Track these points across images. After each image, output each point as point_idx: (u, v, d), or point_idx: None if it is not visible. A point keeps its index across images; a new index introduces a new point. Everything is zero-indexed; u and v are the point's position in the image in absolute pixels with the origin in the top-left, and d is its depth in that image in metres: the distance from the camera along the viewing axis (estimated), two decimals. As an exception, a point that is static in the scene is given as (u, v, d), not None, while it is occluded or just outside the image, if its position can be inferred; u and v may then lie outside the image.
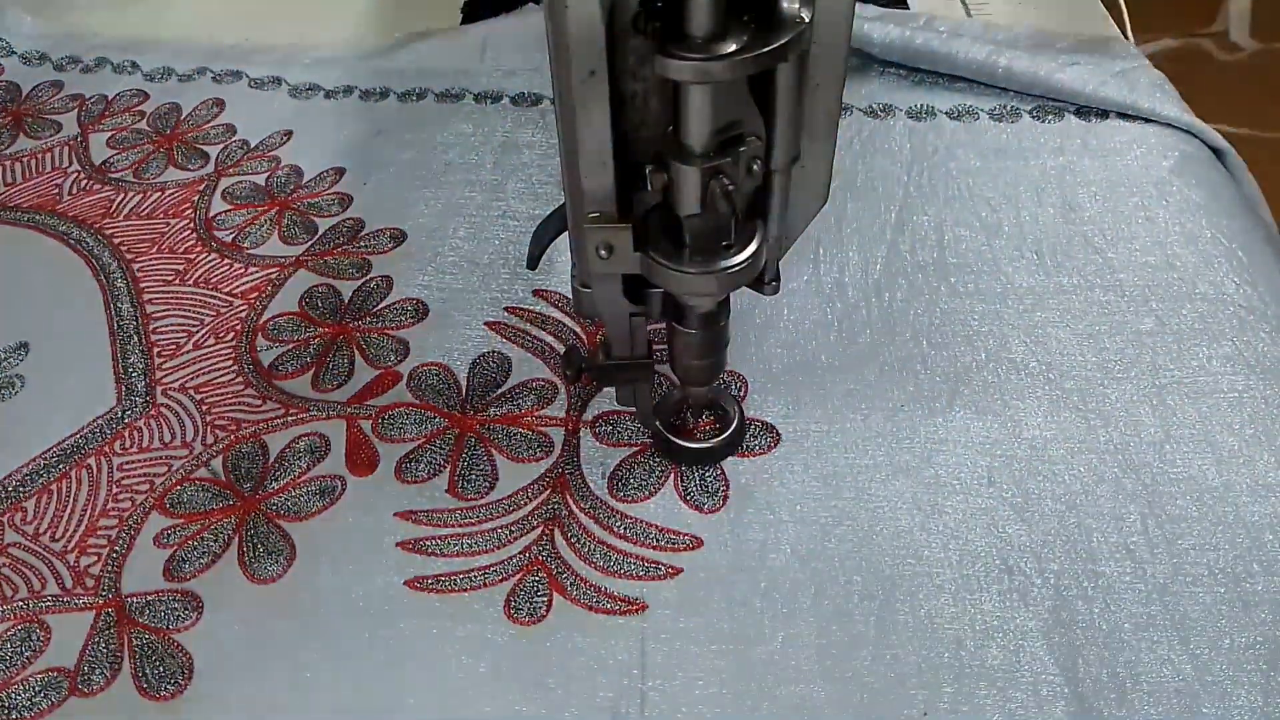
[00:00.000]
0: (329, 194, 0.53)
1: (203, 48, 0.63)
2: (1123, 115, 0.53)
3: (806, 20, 0.23)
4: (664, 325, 0.34)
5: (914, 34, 0.55)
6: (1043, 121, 0.53)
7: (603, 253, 0.28)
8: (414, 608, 0.34)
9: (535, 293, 0.46)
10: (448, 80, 0.60)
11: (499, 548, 0.36)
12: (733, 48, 0.23)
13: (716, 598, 0.35)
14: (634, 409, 0.39)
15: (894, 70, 0.57)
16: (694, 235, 0.28)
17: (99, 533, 0.38)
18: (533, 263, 0.34)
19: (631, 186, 0.27)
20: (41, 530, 0.38)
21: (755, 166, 0.26)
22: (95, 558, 0.37)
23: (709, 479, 0.38)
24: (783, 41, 0.23)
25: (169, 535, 0.38)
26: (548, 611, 0.34)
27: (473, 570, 0.35)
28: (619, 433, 0.40)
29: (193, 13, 0.68)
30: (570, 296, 0.37)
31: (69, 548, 0.38)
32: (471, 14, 0.66)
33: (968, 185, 0.50)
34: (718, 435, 0.38)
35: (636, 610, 0.34)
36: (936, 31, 0.56)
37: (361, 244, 0.50)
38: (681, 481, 0.38)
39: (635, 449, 0.39)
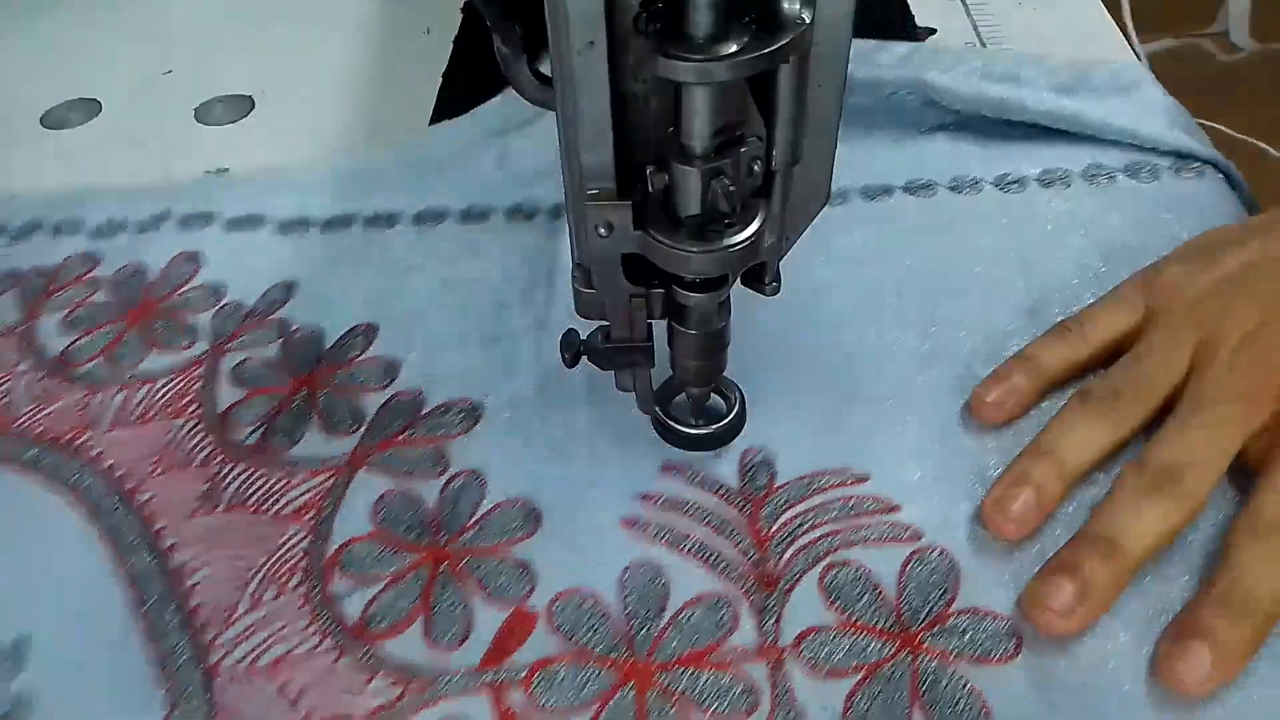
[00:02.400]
0: (366, 362, 0.44)
1: (158, 189, 0.52)
2: (1175, 170, 0.48)
3: (807, 21, 0.24)
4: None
5: (974, 81, 0.50)
6: (1093, 184, 0.48)
7: (602, 231, 0.28)
8: None
9: (665, 468, 0.38)
10: (466, 194, 0.51)
11: None
12: (733, 48, 0.23)
13: None
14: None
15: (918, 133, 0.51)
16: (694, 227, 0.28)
17: None
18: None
19: (631, 186, 0.27)
20: None
21: (756, 167, 0.27)
22: None
23: (962, 704, 0.31)
24: (783, 42, 0.23)
25: None
26: None
27: None
28: (835, 651, 0.32)
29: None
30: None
31: None
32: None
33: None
34: (719, 419, 0.37)
35: None
36: (980, 72, 0.50)
37: (427, 425, 0.41)
38: (933, 716, 0.31)
39: (861, 673, 0.32)
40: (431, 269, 0.47)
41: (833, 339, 0.42)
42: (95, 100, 0.59)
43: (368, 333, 0.45)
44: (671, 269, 0.29)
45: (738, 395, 0.38)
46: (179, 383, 0.44)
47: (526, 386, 0.42)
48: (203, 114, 0.58)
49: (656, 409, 0.37)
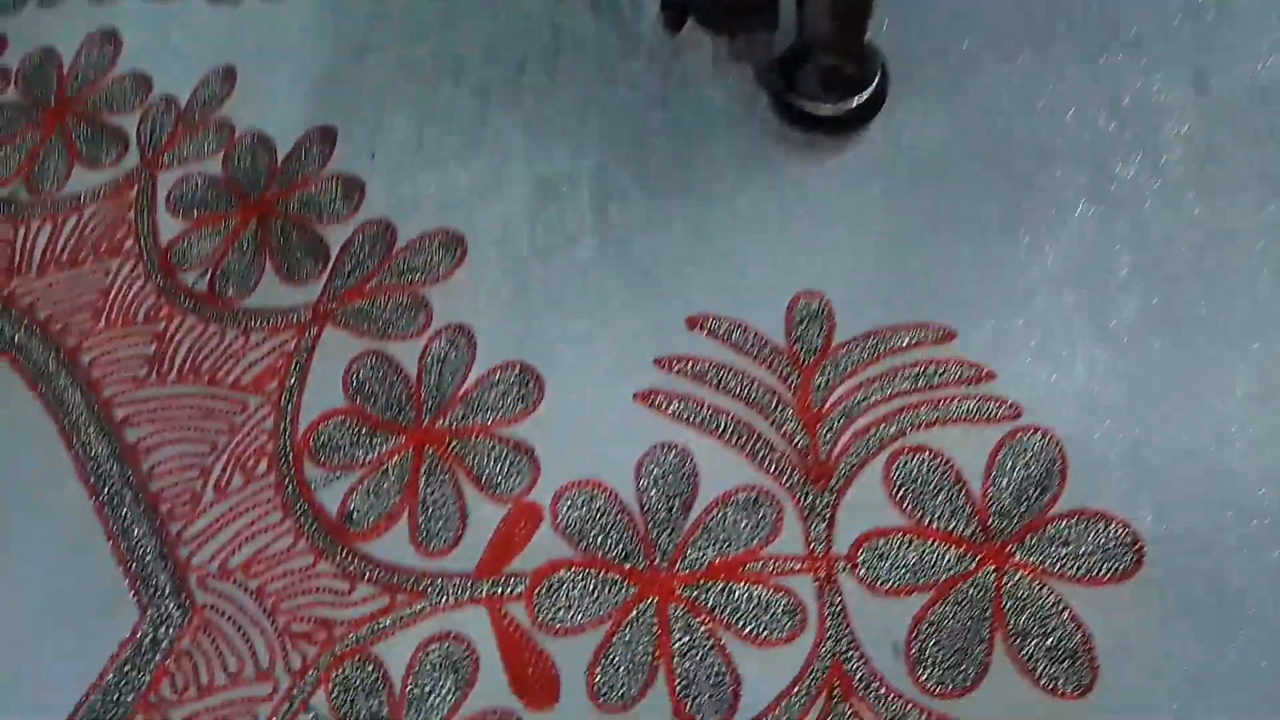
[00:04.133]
0: (326, 179, 0.35)
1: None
2: None
3: None
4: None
5: None
6: None
7: None
8: None
9: (691, 322, 0.31)
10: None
11: (784, 816, 0.25)
12: None
13: None
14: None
15: None
16: None
17: None
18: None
19: None
20: None
21: None
22: None
23: (1057, 633, 0.25)
24: None
25: (292, 846, 0.26)
26: None
27: None
28: (900, 564, 0.26)
29: None
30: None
31: None
32: None
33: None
34: (853, 94, 0.31)
35: None
36: None
37: (402, 266, 0.33)
38: (1020, 645, 0.25)
39: (931, 592, 0.26)
40: (398, 44, 0.37)
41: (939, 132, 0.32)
42: None
43: (324, 140, 0.36)
44: None
45: (879, 65, 0.31)
46: (111, 208, 0.36)
47: (518, 206, 0.33)
48: None
49: (778, 80, 0.32)
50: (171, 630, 0.29)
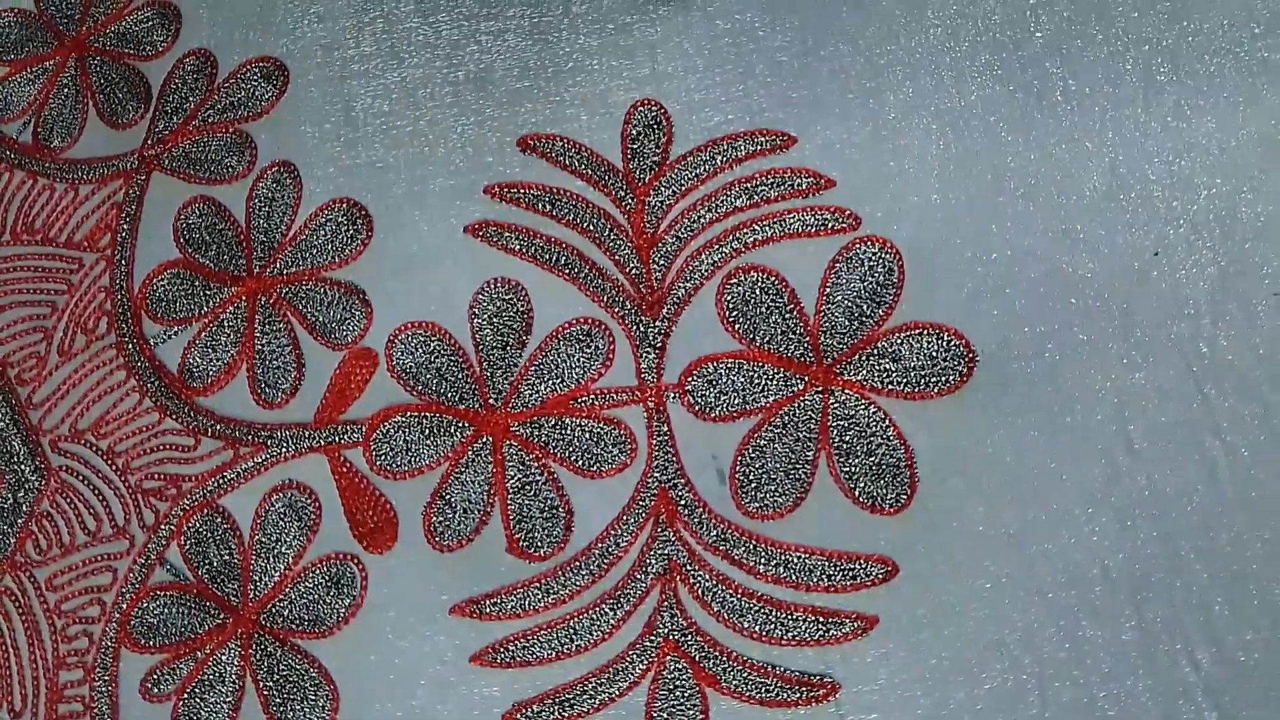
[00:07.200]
0: (140, 9, 0.32)
1: None
2: None
3: None
4: None
5: None
6: None
7: None
8: (525, 757, 0.25)
9: (523, 144, 0.28)
10: None
11: (607, 635, 0.25)
12: None
13: (939, 652, 0.24)
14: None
15: None
16: None
17: (69, 698, 0.28)
18: None
19: None
20: (-4, 707, 0.28)
21: None
22: (81, 736, 0.28)
23: (880, 450, 0.25)
24: None
25: (158, 682, 0.27)
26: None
27: (586, 681, 0.25)
28: (728, 389, 0.26)
29: None
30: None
31: (41, 727, 0.28)
32: None
33: None
34: None
35: (826, 694, 0.24)
36: None
37: (226, 101, 0.31)
38: (843, 465, 0.25)
39: (758, 416, 0.26)
40: None
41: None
42: None
43: (132, -38, 0.33)
44: None
45: None
46: (-77, 60, 0.34)
47: (340, 23, 0.30)
48: None
49: None
50: (30, 494, 0.30)
